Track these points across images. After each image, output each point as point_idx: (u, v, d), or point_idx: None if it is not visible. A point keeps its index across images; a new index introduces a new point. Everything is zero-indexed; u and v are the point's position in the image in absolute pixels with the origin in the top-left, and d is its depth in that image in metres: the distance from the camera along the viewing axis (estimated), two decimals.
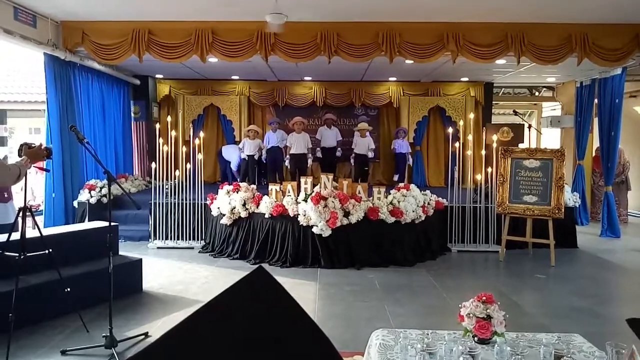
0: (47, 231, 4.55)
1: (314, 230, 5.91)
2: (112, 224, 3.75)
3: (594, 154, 9.59)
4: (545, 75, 9.83)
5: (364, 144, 9.45)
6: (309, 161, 9.32)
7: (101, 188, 7.31)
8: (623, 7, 5.88)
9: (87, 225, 5.51)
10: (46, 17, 6.48)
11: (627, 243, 7.66)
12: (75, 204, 7.27)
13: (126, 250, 5.90)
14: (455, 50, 6.61)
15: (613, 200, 8.31)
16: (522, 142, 9.48)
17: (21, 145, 3.46)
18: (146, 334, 3.77)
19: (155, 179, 7.06)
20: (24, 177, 3.37)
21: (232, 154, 10.00)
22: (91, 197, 7.20)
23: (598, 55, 6.62)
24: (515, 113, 9.76)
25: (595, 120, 8.88)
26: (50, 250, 3.70)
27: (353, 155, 9.57)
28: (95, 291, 4.18)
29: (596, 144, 9.17)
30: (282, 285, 1.04)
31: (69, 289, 3.76)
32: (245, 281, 1.02)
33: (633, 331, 1.48)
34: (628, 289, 5.76)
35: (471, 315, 2.54)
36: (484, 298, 2.58)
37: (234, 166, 9.95)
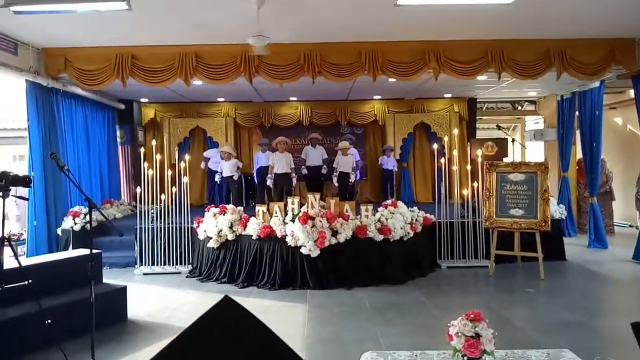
0: (28, 261, 4.45)
1: (303, 250, 5.86)
2: (95, 251, 3.68)
3: (577, 166, 9.71)
4: (527, 89, 10.01)
5: (346, 163, 9.48)
6: (294, 180, 9.27)
7: (85, 215, 7.19)
8: (598, 23, 6.06)
9: (68, 253, 5.38)
10: (27, 44, 6.47)
11: (615, 253, 7.70)
12: (59, 231, 7.14)
13: (111, 277, 5.78)
14: (436, 67, 6.71)
15: (599, 211, 8.39)
16: (507, 156, 9.60)
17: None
18: None
19: (140, 203, 6.97)
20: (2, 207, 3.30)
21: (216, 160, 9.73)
22: (75, 224, 7.07)
23: (576, 69, 6.76)
24: (499, 127, 9.90)
25: (578, 133, 9.03)
26: (30, 281, 3.60)
27: (336, 174, 9.55)
28: (77, 322, 4.05)
29: (579, 155, 9.29)
30: (250, 312, 1.01)
31: (50, 321, 3.65)
32: (212, 312, 0.99)
33: (635, 335, 1.45)
34: (617, 300, 5.77)
35: (460, 334, 2.50)
36: (472, 316, 2.55)
37: (218, 178, 9.44)
